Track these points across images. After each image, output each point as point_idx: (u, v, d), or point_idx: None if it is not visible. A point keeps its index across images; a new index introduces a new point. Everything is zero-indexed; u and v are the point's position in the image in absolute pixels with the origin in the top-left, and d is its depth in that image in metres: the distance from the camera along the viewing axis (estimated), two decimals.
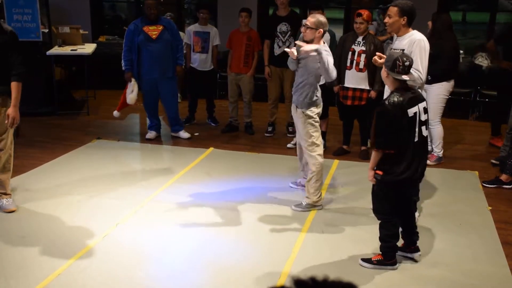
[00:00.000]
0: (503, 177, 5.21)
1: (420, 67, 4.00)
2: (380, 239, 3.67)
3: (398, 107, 3.37)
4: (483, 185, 5.22)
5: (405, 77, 3.43)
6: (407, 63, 3.44)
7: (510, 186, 5.17)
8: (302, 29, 4.45)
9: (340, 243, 4.04)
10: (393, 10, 4.12)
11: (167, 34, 6.22)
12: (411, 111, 3.41)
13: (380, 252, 3.67)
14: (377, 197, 3.66)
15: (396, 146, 3.43)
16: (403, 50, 4.08)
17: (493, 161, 5.89)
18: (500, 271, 3.69)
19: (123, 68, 6.29)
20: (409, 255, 3.77)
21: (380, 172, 3.52)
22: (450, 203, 4.84)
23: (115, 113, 6.37)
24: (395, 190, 3.58)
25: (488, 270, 3.70)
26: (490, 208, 4.72)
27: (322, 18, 4.37)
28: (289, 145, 6.30)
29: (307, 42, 4.37)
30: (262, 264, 3.71)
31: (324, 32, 4.39)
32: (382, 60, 3.88)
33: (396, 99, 3.39)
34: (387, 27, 4.27)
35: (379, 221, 3.67)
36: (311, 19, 4.36)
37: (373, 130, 3.49)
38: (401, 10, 4.08)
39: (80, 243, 3.94)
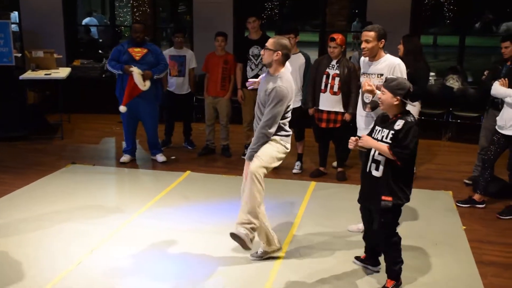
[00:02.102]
0: (476, 196, 5.29)
1: None
2: (391, 263, 3.64)
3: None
4: (457, 205, 5.30)
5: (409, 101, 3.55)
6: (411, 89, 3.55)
7: (483, 206, 5.26)
8: (262, 51, 3.99)
9: (317, 265, 4.03)
10: (370, 34, 4.16)
11: (150, 57, 6.25)
12: None
13: (390, 278, 3.65)
14: (387, 224, 3.60)
15: (413, 162, 3.58)
16: (381, 74, 4.16)
17: (466, 181, 5.99)
18: None
19: (117, 69, 6.19)
20: (369, 267, 3.92)
21: (390, 199, 3.51)
22: (425, 223, 4.89)
23: (122, 108, 6.24)
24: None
25: None
26: (465, 227, 4.79)
27: (283, 40, 3.90)
28: (294, 171, 6.28)
29: (265, 65, 4.01)
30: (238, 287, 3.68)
31: (285, 56, 3.87)
32: (371, 88, 3.99)
33: (414, 118, 3.53)
34: (364, 52, 4.27)
35: (388, 246, 3.63)
36: (270, 40, 3.93)
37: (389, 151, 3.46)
38: (379, 34, 4.14)
39: (53, 271, 3.85)
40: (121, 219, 4.83)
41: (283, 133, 3.96)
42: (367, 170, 3.62)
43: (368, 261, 3.95)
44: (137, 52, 6.22)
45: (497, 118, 5.10)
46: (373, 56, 4.23)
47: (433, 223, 4.87)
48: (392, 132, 3.48)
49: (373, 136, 3.60)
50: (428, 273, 3.95)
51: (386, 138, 3.50)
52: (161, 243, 4.37)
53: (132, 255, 4.16)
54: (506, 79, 4.96)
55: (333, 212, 5.10)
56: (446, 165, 6.74)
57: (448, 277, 3.90)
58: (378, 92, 3.96)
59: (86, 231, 4.55)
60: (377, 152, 3.54)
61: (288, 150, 4.02)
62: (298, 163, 6.36)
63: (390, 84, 3.51)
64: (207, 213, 5.04)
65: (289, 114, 4.00)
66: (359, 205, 3.93)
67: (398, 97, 3.46)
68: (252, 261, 4.07)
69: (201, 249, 4.27)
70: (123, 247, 4.29)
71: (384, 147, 3.45)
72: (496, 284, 3.81)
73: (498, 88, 4.98)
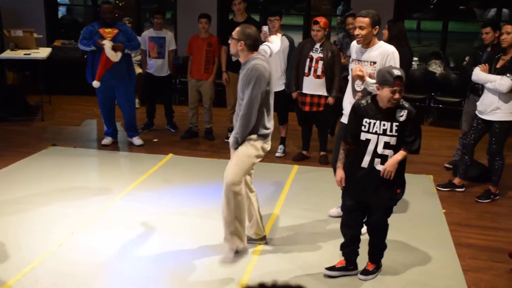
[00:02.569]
0: (456, 180, 5.36)
1: None
2: (380, 248, 3.67)
3: None
4: (437, 189, 5.36)
5: None
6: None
7: (462, 190, 5.33)
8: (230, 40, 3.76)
9: (300, 248, 4.06)
10: (365, 21, 3.95)
11: (121, 37, 6.16)
12: None
13: (372, 261, 3.68)
14: (389, 214, 3.61)
15: None
16: (375, 62, 4.01)
17: (447, 165, 6.06)
18: (453, 271, 3.79)
19: (89, 45, 6.06)
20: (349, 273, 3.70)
21: (398, 191, 3.51)
22: (406, 206, 4.95)
23: (95, 83, 6.13)
24: None
25: (441, 270, 3.80)
26: (444, 211, 4.85)
27: (248, 29, 3.65)
28: (277, 154, 6.27)
29: (233, 55, 3.81)
30: (221, 272, 3.69)
31: (250, 46, 3.62)
32: (362, 74, 3.90)
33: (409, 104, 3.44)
34: (358, 39, 4.04)
35: (384, 232, 3.63)
36: (236, 29, 3.69)
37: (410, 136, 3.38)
38: (373, 20, 3.96)
39: (34, 253, 3.83)
40: (102, 202, 4.80)
41: (263, 131, 3.68)
42: (367, 165, 3.41)
43: (348, 267, 3.71)
44: (108, 33, 6.13)
45: (477, 103, 5.14)
46: (367, 43, 4.05)
47: (413, 206, 4.93)
48: (396, 124, 3.32)
49: (367, 130, 3.37)
50: (407, 255, 4.01)
51: (391, 131, 3.32)
52: (142, 226, 4.36)
53: (113, 237, 4.14)
54: (486, 64, 4.99)
55: (316, 195, 5.13)
56: (427, 149, 6.78)
57: (427, 258, 3.96)
58: (368, 79, 3.91)
59: (67, 214, 4.51)
60: (381, 147, 3.35)
61: (268, 149, 3.81)
62: (281, 146, 6.37)
63: (378, 75, 3.42)
64: (189, 196, 5.03)
65: (270, 107, 3.75)
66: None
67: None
68: None
69: (183, 232, 4.27)
70: (104, 229, 4.27)
71: (404, 154, 3.37)
72: (473, 266, 3.88)
73: (479, 74, 5.02)
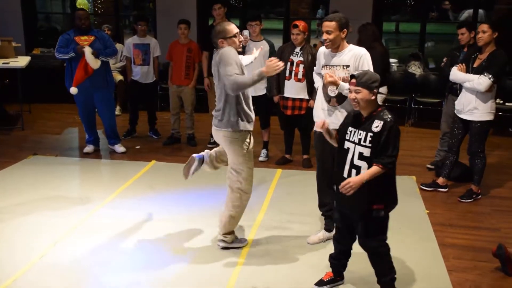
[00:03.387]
0: (440, 180, 5.41)
1: None
2: (382, 274, 3.36)
3: None
4: (421, 188, 5.40)
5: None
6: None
7: (446, 190, 5.38)
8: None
9: (284, 252, 4.06)
10: (331, 25, 3.86)
11: (98, 44, 6.10)
12: None
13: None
14: (375, 231, 3.31)
15: None
16: (348, 66, 3.92)
17: (429, 166, 6.12)
18: (438, 271, 3.82)
19: (68, 53, 5.99)
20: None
21: (382, 206, 3.24)
22: None
23: (73, 89, 6.06)
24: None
25: (426, 271, 3.82)
26: (428, 211, 4.89)
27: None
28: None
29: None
30: (207, 279, 3.68)
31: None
32: (333, 79, 3.77)
33: (391, 115, 3.20)
34: (327, 44, 3.97)
35: (380, 256, 3.35)
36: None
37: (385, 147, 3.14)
38: (340, 24, 3.87)
39: (15, 265, 3.76)
40: (85, 210, 4.75)
41: (243, 124, 3.88)
42: (346, 175, 3.25)
43: (336, 279, 3.61)
44: (84, 41, 6.06)
45: (456, 102, 5.21)
46: (336, 47, 3.99)
47: (396, 208, 4.93)
48: (370, 134, 3.15)
49: (348, 138, 3.26)
50: (392, 256, 4.01)
51: (365, 141, 3.16)
52: (127, 234, 4.32)
53: (97, 247, 4.10)
54: (463, 64, 5.07)
55: (299, 199, 5.13)
56: (409, 150, 6.86)
57: (411, 259, 3.98)
58: (342, 83, 3.80)
59: (49, 224, 4.46)
60: (356, 157, 3.20)
61: (251, 130, 3.97)
62: (264, 151, 6.38)
63: (362, 80, 3.19)
64: (173, 202, 5.01)
65: (248, 94, 3.98)
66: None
67: (375, 91, 3.20)
68: (220, 250, 4.07)
69: (166, 240, 4.24)
70: (88, 239, 4.22)
71: (374, 170, 3.10)
72: (457, 266, 3.92)
73: (456, 74, 5.08)
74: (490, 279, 3.76)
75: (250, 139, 3.97)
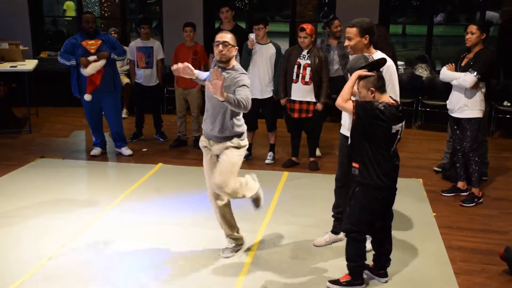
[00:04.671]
0: (460, 184, 5.35)
1: (396, 95, 3.69)
2: (348, 259, 3.55)
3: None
4: (442, 194, 5.35)
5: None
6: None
7: (467, 193, 5.29)
8: (219, 46, 3.79)
9: (291, 255, 4.05)
10: (352, 31, 3.74)
11: (106, 48, 6.13)
12: (394, 128, 3.39)
13: (348, 272, 3.58)
14: (356, 207, 3.48)
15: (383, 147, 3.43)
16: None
17: (436, 169, 6.09)
18: (445, 274, 3.80)
19: (68, 61, 6.05)
20: (376, 277, 3.70)
21: (357, 165, 3.42)
22: (396, 210, 4.95)
23: (87, 96, 6.09)
24: (377, 200, 3.48)
25: (433, 273, 3.81)
26: (434, 214, 4.88)
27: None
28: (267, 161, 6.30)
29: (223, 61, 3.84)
30: (214, 281, 3.68)
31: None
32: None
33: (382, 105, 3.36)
34: (349, 51, 3.87)
35: (349, 240, 3.53)
36: (228, 35, 3.84)
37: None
38: (361, 29, 3.73)
39: (23, 267, 3.78)
40: (93, 213, 4.76)
41: (241, 132, 3.86)
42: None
43: (376, 270, 3.71)
44: (92, 45, 6.08)
45: (447, 101, 5.24)
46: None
47: (404, 211, 4.95)
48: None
49: None
50: (399, 258, 4.01)
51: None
52: (133, 237, 4.33)
53: (104, 249, 4.11)
54: (453, 64, 5.12)
55: (306, 202, 5.12)
56: (416, 153, 6.84)
57: (418, 262, 3.97)
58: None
59: (56, 226, 4.47)
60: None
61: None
62: (270, 153, 6.37)
63: (350, 67, 3.48)
64: (179, 205, 5.01)
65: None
66: (331, 194, 3.92)
67: (372, 88, 3.34)
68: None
69: (173, 243, 4.25)
70: (95, 241, 4.23)
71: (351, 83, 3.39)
72: (464, 269, 3.90)
73: (445, 72, 5.16)
74: (497, 282, 3.74)
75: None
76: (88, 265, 3.86)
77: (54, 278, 3.67)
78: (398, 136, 3.46)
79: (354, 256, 3.52)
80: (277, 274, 3.77)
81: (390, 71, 3.67)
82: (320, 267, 3.86)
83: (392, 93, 3.59)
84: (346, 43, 3.84)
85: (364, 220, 3.48)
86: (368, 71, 3.39)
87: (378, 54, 3.77)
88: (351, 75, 3.47)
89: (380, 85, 3.39)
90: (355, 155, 3.49)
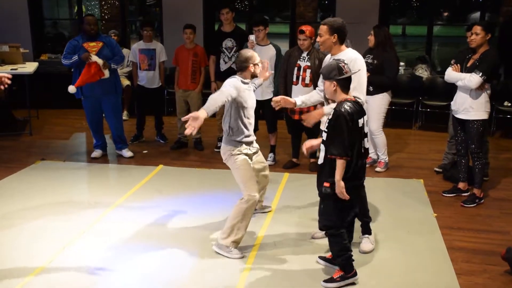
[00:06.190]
0: (461, 185, 5.35)
1: (362, 87, 3.97)
2: (335, 255, 3.65)
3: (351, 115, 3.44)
4: (442, 195, 5.34)
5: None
6: (346, 63, 3.58)
7: (468, 194, 5.29)
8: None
9: (293, 256, 4.06)
10: (323, 28, 4.07)
11: (106, 50, 6.14)
12: (360, 122, 3.50)
13: (339, 268, 3.64)
14: (327, 211, 3.61)
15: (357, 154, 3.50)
16: None
17: (436, 169, 6.09)
18: (447, 275, 3.80)
19: (73, 60, 6.04)
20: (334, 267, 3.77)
21: (328, 184, 3.51)
22: (397, 211, 4.96)
23: (71, 87, 6.03)
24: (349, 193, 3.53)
25: (435, 274, 3.81)
26: (436, 214, 4.87)
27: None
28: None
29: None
30: (216, 281, 3.68)
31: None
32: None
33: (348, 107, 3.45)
34: (320, 46, 4.18)
35: (328, 237, 3.66)
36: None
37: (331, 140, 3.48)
38: (331, 28, 4.02)
39: (24, 270, 3.78)
40: (94, 214, 4.76)
41: (244, 139, 4.16)
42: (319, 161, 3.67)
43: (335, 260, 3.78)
44: (93, 47, 6.09)
45: (451, 102, 5.23)
46: (331, 50, 4.11)
47: (405, 211, 4.95)
48: (327, 120, 3.54)
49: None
50: (400, 259, 4.02)
51: (325, 127, 3.56)
52: (134, 238, 4.33)
53: (106, 251, 4.11)
54: (458, 65, 5.10)
55: (307, 203, 5.12)
56: (416, 153, 6.84)
57: (420, 262, 3.97)
58: (325, 108, 3.98)
59: (58, 228, 4.47)
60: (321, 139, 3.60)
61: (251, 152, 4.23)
62: (271, 154, 6.38)
63: (323, 73, 3.59)
64: (181, 207, 5.01)
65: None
66: None
67: (335, 82, 3.47)
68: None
69: (175, 244, 4.24)
70: (97, 243, 4.23)
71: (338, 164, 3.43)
72: (466, 269, 3.90)
73: (450, 73, 5.13)
74: (499, 283, 3.73)
75: None
76: (89, 267, 3.85)
77: (55, 280, 3.67)
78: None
79: (338, 251, 3.61)
80: (278, 275, 3.77)
81: (358, 63, 3.96)
82: (321, 267, 3.86)
83: (356, 85, 3.84)
84: (318, 39, 4.14)
85: (339, 215, 3.59)
86: (344, 69, 3.52)
87: (347, 52, 4.06)
88: (323, 78, 3.60)
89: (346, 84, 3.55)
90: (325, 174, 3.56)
